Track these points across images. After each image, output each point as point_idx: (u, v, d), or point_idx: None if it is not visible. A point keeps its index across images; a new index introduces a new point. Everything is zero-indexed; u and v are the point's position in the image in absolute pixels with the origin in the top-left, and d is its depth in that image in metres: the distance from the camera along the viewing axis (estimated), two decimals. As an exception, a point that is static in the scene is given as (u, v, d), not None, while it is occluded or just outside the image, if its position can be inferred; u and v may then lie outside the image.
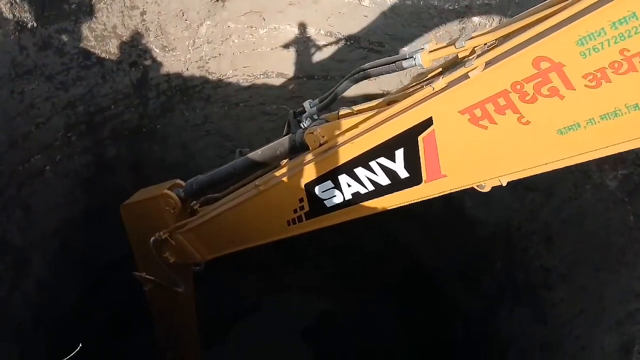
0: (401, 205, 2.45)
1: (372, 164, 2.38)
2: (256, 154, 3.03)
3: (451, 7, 4.53)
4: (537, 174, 2.02)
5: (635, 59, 1.59)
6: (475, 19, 4.53)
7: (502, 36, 1.98)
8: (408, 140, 2.21)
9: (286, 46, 5.11)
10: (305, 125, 2.72)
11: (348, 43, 5.03)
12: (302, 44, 5.08)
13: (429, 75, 2.46)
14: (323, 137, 2.54)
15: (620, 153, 1.78)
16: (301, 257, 6.67)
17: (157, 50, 4.88)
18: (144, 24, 4.70)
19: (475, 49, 2.07)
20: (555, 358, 3.37)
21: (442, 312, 5.74)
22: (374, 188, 2.45)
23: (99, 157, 5.04)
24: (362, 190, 2.49)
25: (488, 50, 1.96)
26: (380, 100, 2.53)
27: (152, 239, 3.40)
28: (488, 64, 1.89)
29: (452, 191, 2.28)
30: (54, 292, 4.82)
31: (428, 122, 2.11)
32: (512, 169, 2.06)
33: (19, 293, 4.38)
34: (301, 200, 2.71)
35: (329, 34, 5.02)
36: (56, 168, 4.68)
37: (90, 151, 4.94)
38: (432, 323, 6.00)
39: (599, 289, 3.29)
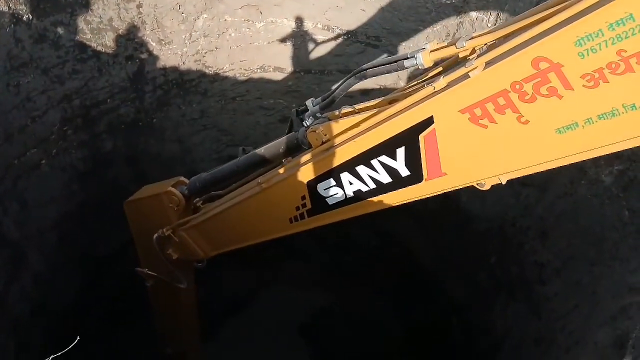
0: (402, 203, 2.48)
1: (374, 162, 2.41)
2: (259, 152, 3.07)
3: (448, 2, 4.52)
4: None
5: (632, 59, 1.62)
6: (473, 14, 4.52)
7: (502, 36, 2.01)
8: (409, 139, 2.24)
9: (283, 40, 5.09)
10: (308, 124, 2.75)
11: (345, 37, 5.02)
12: (299, 38, 5.07)
13: (430, 75, 2.49)
14: (325, 135, 2.58)
15: (616, 149, 1.80)
16: (297, 252, 6.69)
17: (154, 44, 4.86)
18: (140, 17, 4.68)
19: (475, 48, 2.10)
20: (549, 352, 3.40)
21: (438, 307, 5.77)
22: (375, 186, 2.49)
23: (96, 151, 5.03)
24: (364, 188, 2.52)
25: (488, 50, 1.99)
26: (382, 99, 2.57)
27: (156, 235, 3.43)
28: (488, 63, 1.92)
29: (453, 189, 2.31)
30: (52, 286, 4.83)
31: (429, 121, 2.14)
32: (511, 167, 2.10)
33: (16, 287, 4.38)
34: (303, 197, 2.75)
35: (326, 28, 5.01)
36: (52, 162, 4.67)
37: (87, 145, 4.93)
38: (428, 317, 6.04)
39: (593, 283, 3.31)
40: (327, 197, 2.67)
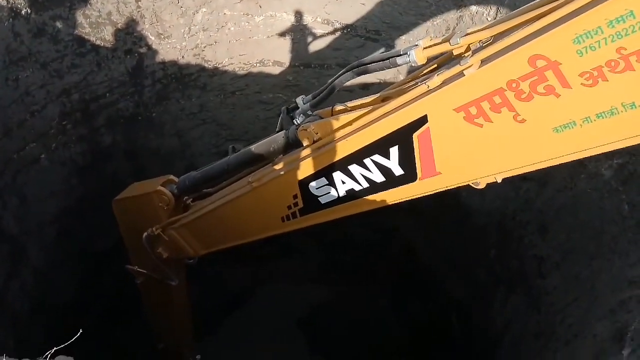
0: (396, 202, 2.45)
1: (367, 161, 2.38)
2: (249, 151, 3.02)
3: (448, -4, 4.51)
4: (531, 167, 2.02)
5: (632, 57, 1.59)
6: (473, 8, 4.51)
7: (498, 33, 1.97)
8: (402, 138, 2.21)
9: (282, 34, 5.08)
10: (299, 122, 2.70)
11: (345, 31, 5.01)
12: (299, 32, 5.05)
13: (424, 71, 2.45)
14: (317, 133, 2.53)
15: (616, 142, 1.78)
16: (295, 249, 6.70)
17: (153, 38, 4.84)
18: (139, 11, 4.66)
19: (470, 45, 2.05)
20: (549, 345, 3.41)
21: (437, 301, 5.78)
22: (368, 185, 2.45)
23: (95, 146, 5.02)
24: (357, 188, 2.49)
25: (483, 48, 1.95)
26: (374, 96, 2.53)
27: (145, 234, 3.41)
28: (484, 61, 1.89)
29: (447, 188, 2.29)
30: (52, 280, 4.83)
31: (423, 120, 2.11)
32: (507, 166, 2.07)
33: (16, 281, 4.38)
34: (295, 196, 2.71)
35: (325, 22, 5.00)
36: (52, 156, 4.66)
37: (86, 139, 4.92)
38: (427, 312, 6.05)
39: (593, 277, 3.32)
40: (320, 196, 2.63)
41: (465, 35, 2.02)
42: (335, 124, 2.48)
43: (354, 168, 2.43)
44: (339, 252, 6.78)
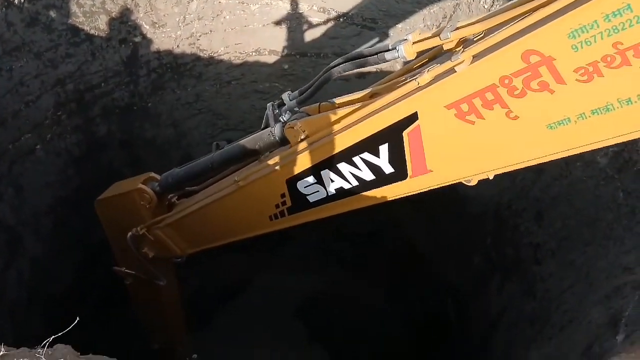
0: (386, 200, 2.41)
1: (356, 159, 2.33)
2: (234, 148, 2.96)
3: (445, -17, 4.49)
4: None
5: (629, 52, 1.56)
6: (469, -5, 4.49)
7: (489, 27, 1.92)
8: (392, 136, 2.17)
9: (278, 23, 5.05)
10: (285, 119, 2.63)
11: (341, 20, 4.98)
12: (295, 20, 5.03)
13: (414, 65, 2.40)
14: (304, 131, 2.47)
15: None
16: (292, 238, 6.71)
17: (147, 27, 4.81)
18: (133, 0, 4.62)
19: (461, 40, 2.00)
20: (544, 331, 3.44)
21: (433, 289, 5.82)
22: (358, 183, 2.41)
23: (90, 136, 5.00)
24: (346, 186, 2.45)
25: (475, 43, 1.90)
26: (363, 92, 2.47)
27: (130, 234, 3.36)
28: (475, 57, 1.84)
29: (439, 186, 2.25)
30: (49, 270, 4.83)
31: (413, 117, 2.07)
32: (499, 164, 2.04)
33: (13, 272, 4.38)
34: (283, 195, 2.66)
35: (321, 10, 4.97)
36: (47, 147, 4.64)
37: (81, 129, 4.90)
38: (423, 299, 6.09)
39: (588, 264, 3.34)
40: (308, 194, 2.58)
41: (455, 30, 1.97)
42: (323, 121, 2.43)
43: (343, 166, 2.39)
44: (336, 241, 6.80)
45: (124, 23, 4.68)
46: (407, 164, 2.21)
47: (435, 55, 2.27)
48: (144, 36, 4.83)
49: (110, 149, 5.22)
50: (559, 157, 1.89)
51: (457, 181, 2.20)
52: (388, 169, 2.28)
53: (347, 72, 2.43)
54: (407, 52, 2.10)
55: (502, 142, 1.95)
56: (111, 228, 3.71)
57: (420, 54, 2.17)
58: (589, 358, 2.65)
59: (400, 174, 2.27)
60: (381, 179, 2.34)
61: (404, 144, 2.16)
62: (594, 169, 3.58)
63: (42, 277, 4.73)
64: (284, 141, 2.63)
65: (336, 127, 2.36)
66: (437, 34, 2.02)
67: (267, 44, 5.18)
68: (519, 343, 3.73)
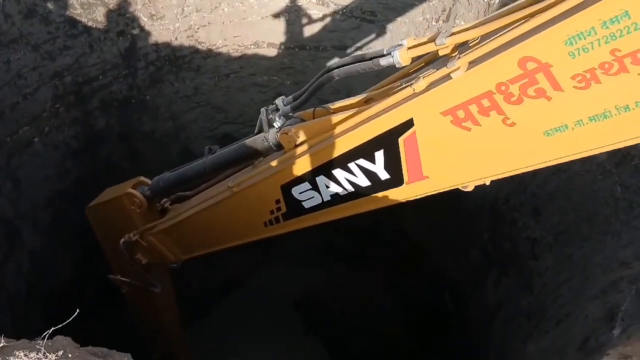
0: (383, 207, 2.39)
1: (351, 165, 2.31)
2: (227, 153, 2.93)
3: (445, -24, 4.46)
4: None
5: (626, 59, 1.54)
6: (469, -11, 4.47)
7: (486, 33, 1.90)
8: (388, 142, 2.15)
9: (277, 15, 5.03)
10: (279, 124, 2.60)
11: (340, 12, 4.96)
12: (294, 13, 5.00)
13: (410, 70, 2.37)
14: (298, 137, 2.45)
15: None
16: (292, 231, 6.71)
17: (145, 19, 4.78)
18: (131, -8, 4.60)
19: (456, 45, 1.97)
20: (541, 325, 3.46)
21: (431, 282, 5.84)
22: (353, 189, 2.39)
23: (89, 129, 4.99)
24: (342, 192, 2.43)
25: (471, 49, 1.88)
26: (358, 98, 2.44)
27: (123, 240, 3.33)
28: (471, 64, 1.83)
29: (435, 192, 2.23)
30: (48, 263, 4.84)
31: (409, 124, 2.05)
32: (496, 171, 2.03)
33: (12, 264, 4.39)
34: (278, 201, 2.64)
35: (320, 2, 4.95)
36: (45, 140, 4.63)
37: (79, 122, 4.89)
38: (421, 293, 6.11)
39: (585, 258, 3.35)
40: (303, 200, 2.55)
41: (451, 35, 1.94)
42: (318, 127, 2.41)
43: (339, 172, 2.36)
44: (334, 234, 6.81)
45: (121, 15, 4.66)
46: (403, 170, 2.20)
47: (431, 60, 2.25)
48: (142, 28, 4.81)
49: (108, 142, 5.21)
50: (556, 163, 1.88)
51: (454, 187, 2.18)
52: (384, 175, 2.27)
53: (338, 79, 2.38)
54: (402, 57, 2.07)
55: (498, 149, 1.94)
56: (104, 235, 3.69)
57: (415, 59, 2.15)
58: (586, 352, 2.67)
59: (396, 180, 2.25)
60: (377, 185, 2.32)
61: (400, 150, 2.14)
62: (592, 164, 3.59)
63: (41, 271, 4.74)
64: (278, 147, 2.61)
65: (331, 133, 2.34)
66: (432, 39, 1.99)
67: (265, 36, 5.16)
68: (516, 337, 3.75)
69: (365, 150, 2.24)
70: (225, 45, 5.15)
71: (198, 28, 5.00)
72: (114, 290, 4.02)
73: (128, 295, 3.95)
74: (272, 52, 5.25)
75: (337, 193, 2.45)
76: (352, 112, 2.30)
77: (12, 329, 4.16)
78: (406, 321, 6.38)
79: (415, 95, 2.01)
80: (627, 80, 1.57)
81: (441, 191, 2.23)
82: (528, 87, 1.72)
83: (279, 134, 2.54)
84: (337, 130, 2.32)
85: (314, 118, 2.55)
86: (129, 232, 3.35)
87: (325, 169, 2.39)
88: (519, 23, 1.76)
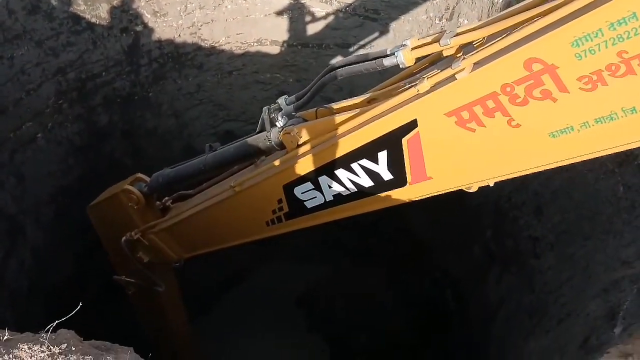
0: (386, 207, 2.39)
1: (354, 165, 2.30)
2: (228, 151, 2.92)
3: (448, -26, 4.46)
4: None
5: (634, 61, 1.53)
6: (472, -13, 4.47)
7: (490, 34, 1.88)
8: (391, 143, 2.14)
9: (280, 13, 5.02)
10: (281, 124, 2.59)
11: (344, 10, 4.96)
12: (297, 10, 5.00)
13: (414, 70, 2.35)
14: (301, 137, 2.44)
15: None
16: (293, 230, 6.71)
17: (149, 16, 4.79)
18: (134, -12, 4.61)
19: (461, 45, 1.95)
20: (542, 323, 3.47)
21: (433, 278, 5.85)
22: (356, 190, 2.38)
23: (92, 125, 5.00)
24: (344, 192, 2.42)
25: (476, 50, 1.87)
26: (361, 98, 2.43)
27: (124, 238, 3.33)
28: (476, 65, 1.82)
29: (439, 193, 2.22)
30: (51, 259, 4.85)
31: (412, 124, 2.04)
32: (500, 172, 2.02)
33: (14, 260, 4.40)
34: (280, 201, 2.64)
35: (324, 0, 4.94)
36: (48, 135, 4.64)
37: (82, 118, 4.90)
38: (424, 289, 6.12)
39: (587, 257, 3.36)
40: (306, 200, 2.55)
41: (455, 36, 1.92)
42: (320, 127, 2.40)
43: (341, 172, 2.35)
44: (337, 230, 6.83)
45: (125, 12, 4.66)
46: (406, 170, 2.19)
47: (435, 59, 2.24)
48: (145, 25, 4.81)
49: (111, 138, 5.22)
50: (561, 165, 1.87)
51: (458, 188, 2.18)
52: (387, 175, 2.26)
53: (341, 78, 2.37)
54: (406, 58, 2.06)
55: (503, 150, 1.93)
56: (105, 234, 3.69)
57: (419, 59, 2.14)
58: (587, 350, 2.67)
59: (399, 180, 2.24)
60: (380, 186, 2.31)
61: (403, 151, 2.13)
62: (595, 163, 3.58)
63: (43, 266, 4.75)
64: (280, 146, 2.60)
65: (334, 133, 2.33)
66: (436, 40, 1.98)
67: (268, 34, 5.16)
68: (517, 334, 3.75)
69: (369, 151, 2.23)
70: (228, 43, 5.16)
71: (201, 25, 5.00)
72: (115, 286, 4.04)
73: (133, 296, 3.95)
74: (275, 49, 5.25)
75: (339, 193, 2.45)
76: (355, 112, 2.29)
77: (14, 324, 4.17)
78: (408, 318, 6.39)
79: (419, 96, 2.00)
80: (634, 82, 1.57)
81: (445, 192, 2.22)
82: (534, 88, 1.71)
83: (281, 134, 2.53)
84: (340, 130, 2.31)
85: (316, 118, 2.53)
86: (128, 230, 3.36)
87: (327, 169, 2.39)
88: (524, 24, 1.75)
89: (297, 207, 2.62)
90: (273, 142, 2.62)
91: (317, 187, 2.48)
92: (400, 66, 2.12)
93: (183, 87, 5.34)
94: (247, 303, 6.71)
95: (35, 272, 4.67)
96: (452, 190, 2.20)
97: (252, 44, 5.21)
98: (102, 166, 5.14)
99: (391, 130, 2.12)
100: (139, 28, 4.80)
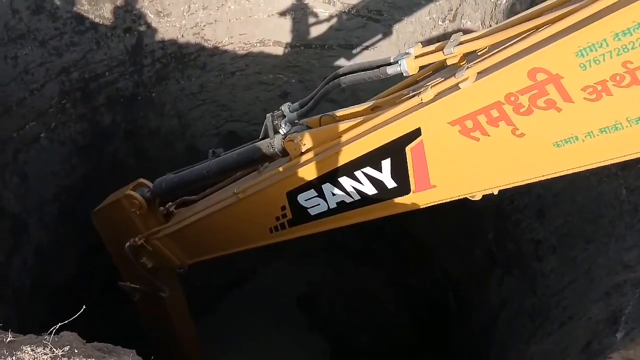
0: (389, 215, 2.40)
1: (358, 173, 2.31)
2: (231, 158, 2.92)
3: (452, -24, 4.45)
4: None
5: (638, 72, 1.53)
6: (476, -11, 4.46)
7: (494, 43, 1.89)
8: (395, 151, 2.15)
9: (283, 13, 5.03)
10: (285, 131, 2.60)
11: (346, 11, 4.96)
12: (300, 11, 5.00)
13: (418, 78, 2.36)
14: (304, 145, 2.45)
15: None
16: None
17: (152, 16, 4.79)
18: (138, -11, 4.61)
19: (464, 55, 1.96)
20: (544, 326, 3.46)
21: (435, 280, 5.85)
22: (360, 197, 2.39)
23: (95, 125, 5.01)
24: (348, 200, 2.43)
25: (480, 59, 1.87)
26: (364, 105, 2.44)
27: (128, 244, 3.35)
28: (480, 74, 1.82)
29: (443, 202, 2.23)
30: (54, 257, 4.87)
31: (416, 133, 2.05)
32: (504, 181, 2.03)
33: (18, 259, 4.42)
34: (283, 208, 2.65)
35: (327, 1, 4.94)
36: (51, 135, 4.66)
37: (86, 118, 4.91)
38: (425, 291, 6.12)
39: (589, 260, 3.35)
40: (309, 207, 2.56)
41: (459, 45, 1.93)
42: (324, 135, 2.40)
43: (345, 180, 2.36)
44: (339, 231, 6.82)
45: (128, 12, 4.67)
46: (410, 179, 2.20)
47: (438, 67, 2.24)
48: (148, 25, 4.82)
49: (114, 138, 5.23)
50: (565, 174, 1.88)
51: (462, 197, 2.18)
52: (391, 183, 2.26)
53: (344, 86, 2.38)
54: (410, 66, 2.07)
55: (507, 159, 1.93)
56: (109, 239, 3.72)
57: (422, 67, 2.14)
58: (588, 355, 2.67)
59: (403, 189, 2.25)
60: (384, 194, 2.32)
61: (407, 159, 2.14)
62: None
63: (47, 265, 4.77)
64: (283, 153, 2.61)
65: (337, 140, 2.34)
66: (440, 48, 1.98)
67: (271, 34, 5.16)
68: (519, 337, 3.75)
69: (372, 159, 2.24)
70: (231, 43, 5.16)
71: (204, 25, 5.00)
72: (117, 286, 4.05)
73: (139, 303, 3.96)
74: (278, 50, 5.25)
75: (343, 201, 2.45)
76: (358, 120, 2.30)
77: (16, 323, 4.19)
78: (409, 319, 6.39)
79: (422, 104, 2.00)
80: (639, 92, 1.57)
81: (449, 200, 2.22)
82: (538, 98, 1.72)
83: (284, 141, 2.54)
84: (344, 138, 2.32)
85: (320, 125, 2.54)
86: (132, 235, 3.38)
87: (331, 176, 2.40)
88: (528, 33, 1.75)
89: (301, 214, 2.63)
90: (276, 149, 2.63)
91: (321, 195, 2.49)
92: (404, 75, 2.13)
93: (186, 88, 5.34)
94: (248, 304, 6.71)
95: (38, 271, 4.68)
96: (456, 198, 2.21)
97: (255, 44, 5.21)
98: (105, 166, 5.15)
99: (395, 138, 2.12)
100: (142, 28, 4.81)
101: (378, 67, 2.17)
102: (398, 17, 4.90)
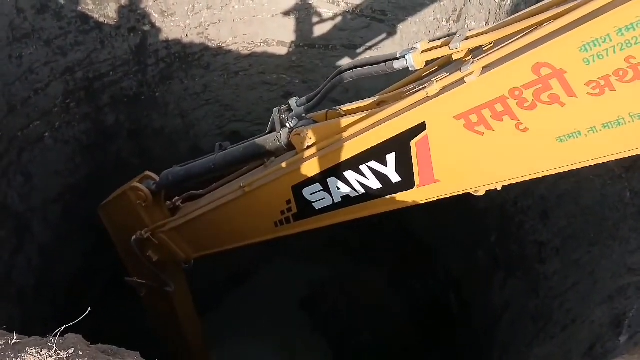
0: (394, 209, 2.40)
1: (363, 167, 2.32)
2: (237, 151, 2.94)
3: (456, -24, 4.44)
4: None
5: None
6: (481, -11, 4.45)
7: (500, 38, 1.90)
8: (400, 145, 2.16)
9: (287, 13, 5.02)
10: (292, 125, 2.62)
11: (350, 11, 4.95)
12: (304, 11, 5.00)
13: (423, 73, 2.38)
14: (310, 139, 2.47)
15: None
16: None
17: (156, 15, 4.80)
18: (142, -12, 4.62)
19: (470, 49, 1.98)
20: (546, 329, 3.46)
21: (437, 281, 5.84)
22: (364, 191, 2.40)
23: (99, 124, 5.02)
24: (353, 194, 2.44)
25: (485, 54, 1.88)
26: (370, 100, 2.45)
27: (134, 237, 3.37)
28: (485, 68, 1.83)
29: (447, 196, 2.24)
30: (58, 256, 4.88)
31: (421, 127, 2.06)
32: (508, 176, 2.03)
33: (21, 258, 4.43)
34: (289, 202, 2.66)
35: (331, 1, 4.94)
36: (56, 135, 4.67)
37: (90, 118, 4.92)
38: (427, 291, 6.12)
39: (592, 263, 3.34)
40: (314, 201, 2.57)
41: (465, 40, 1.95)
42: (330, 129, 2.42)
43: (350, 174, 2.38)
44: (341, 231, 6.83)
45: (133, 11, 4.68)
46: (415, 173, 2.21)
47: (444, 63, 2.26)
48: (152, 25, 4.83)
49: (118, 138, 5.24)
50: (568, 169, 1.88)
51: (465, 192, 2.19)
52: (395, 178, 2.27)
53: (350, 80, 2.39)
54: (416, 61, 2.08)
55: (511, 154, 1.94)
56: (116, 233, 3.73)
57: (428, 62, 2.15)
58: (592, 358, 2.66)
59: (407, 183, 2.26)
60: (388, 188, 2.33)
61: (412, 154, 2.15)
62: (601, 168, 3.57)
63: (50, 264, 4.79)
64: (289, 147, 2.63)
65: (343, 135, 2.35)
66: (446, 43, 2.00)
67: (275, 34, 5.16)
68: (522, 339, 3.74)
69: (377, 153, 2.25)
70: (235, 43, 5.16)
71: (208, 25, 5.01)
72: (122, 284, 4.06)
73: (146, 298, 3.98)
74: (282, 50, 5.25)
75: (348, 195, 2.47)
76: (364, 115, 2.31)
77: (20, 322, 4.21)
78: (412, 319, 6.39)
79: (428, 98, 2.01)
80: None
81: (452, 195, 2.23)
82: (542, 92, 1.73)
83: (291, 135, 2.56)
84: (349, 132, 2.33)
85: (326, 119, 2.56)
86: (138, 228, 3.39)
87: (336, 170, 2.41)
88: (533, 29, 1.76)
89: (306, 209, 2.65)
90: (283, 143, 2.65)
91: (326, 189, 2.51)
92: (410, 69, 2.14)
93: (190, 88, 5.35)
94: (250, 303, 6.72)
95: (42, 270, 4.70)
96: (460, 193, 2.21)
97: (258, 44, 5.22)
98: (109, 165, 5.16)
99: (400, 132, 2.14)
100: (146, 28, 4.81)
101: (384, 61, 2.18)
102: (402, 17, 4.89)
